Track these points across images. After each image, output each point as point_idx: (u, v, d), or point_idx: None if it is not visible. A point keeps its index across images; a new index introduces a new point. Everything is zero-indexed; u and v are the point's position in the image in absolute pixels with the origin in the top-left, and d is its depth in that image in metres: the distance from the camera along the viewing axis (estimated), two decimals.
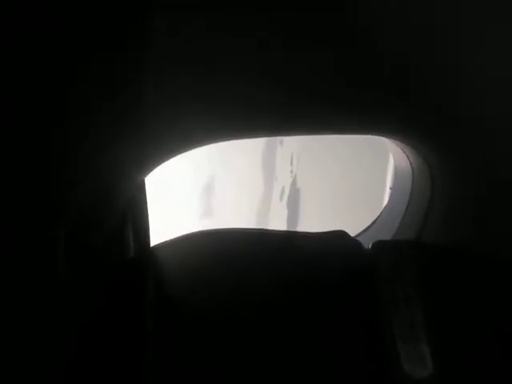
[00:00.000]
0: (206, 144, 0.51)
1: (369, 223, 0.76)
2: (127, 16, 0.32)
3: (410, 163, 0.63)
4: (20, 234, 0.34)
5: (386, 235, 0.68)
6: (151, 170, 0.51)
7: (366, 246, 0.44)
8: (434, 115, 0.48)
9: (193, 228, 0.44)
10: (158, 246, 0.44)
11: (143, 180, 0.54)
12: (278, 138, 2.93)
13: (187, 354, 0.35)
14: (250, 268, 0.39)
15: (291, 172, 3.09)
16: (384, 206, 0.75)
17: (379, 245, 0.43)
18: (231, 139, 0.51)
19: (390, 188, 0.74)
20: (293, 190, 3.06)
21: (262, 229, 0.45)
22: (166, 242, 0.43)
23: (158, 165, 0.51)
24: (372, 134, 0.55)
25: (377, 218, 0.75)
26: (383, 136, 0.57)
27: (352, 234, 0.46)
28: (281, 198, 3.08)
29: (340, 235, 0.44)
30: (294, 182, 3.07)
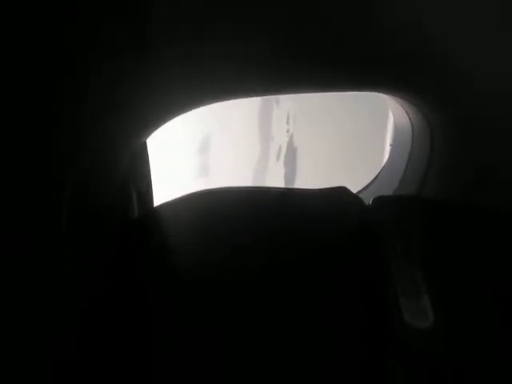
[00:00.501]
0: (204, 104, 0.51)
1: (368, 181, 0.77)
2: None
3: (410, 120, 0.63)
4: (22, 201, 0.34)
5: (387, 192, 0.69)
6: (151, 133, 0.51)
7: (366, 203, 0.44)
8: (435, 74, 0.48)
9: (188, 187, 0.44)
10: (160, 206, 0.44)
11: (145, 141, 0.54)
12: (274, 97, 2.90)
13: (190, 322, 0.35)
14: (250, 229, 0.39)
15: (288, 131, 3.06)
16: (384, 163, 0.75)
17: (380, 200, 0.43)
18: (231, 98, 0.51)
19: (391, 145, 0.74)
20: (290, 149, 3.04)
21: (261, 187, 0.45)
22: (168, 202, 0.44)
23: (157, 127, 0.50)
24: (371, 91, 0.55)
25: (377, 175, 0.75)
26: (382, 93, 0.57)
27: (352, 191, 0.46)
28: (278, 158, 3.06)
29: (341, 191, 0.44)
30: (290, 141, 3.05)
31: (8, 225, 0.33)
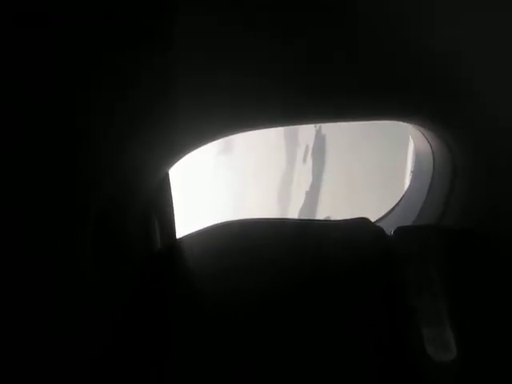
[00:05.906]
0: (226, 135, 0.52)
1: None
2: (149, 14, 0.33)
3: (431, 146, 0.63)
4: (47, 231, 0.35)
5: (409, 218, 0.68)
6: (174, 163, 0.52)
7: (388, 231, 0.44)
8: (455, 100, 0.48)
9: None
10: (183, 239, 0.45)
11: (167, 172, 0.55)
12: None
13: (212, 349, 0.35)
14: (272, 260, 0.39)
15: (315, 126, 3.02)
16: (405, 188, 0.75)
17: (401, 231, 0.43)
18: (249, 130, 0.52)
19: (411, 171, 0.73)
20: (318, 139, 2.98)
21: (284, 218, 0.46)
22: (191, 234, 0.44)
23: (180, 158, 0.51)
24: (391, 120, 0.55)
25: (399, 202, 0.75)
26: (402, 121, 0.57)
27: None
28: (304, 159, 3.00)
29: (362, 222, 0.44)
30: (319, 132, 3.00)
31: (33, 249, 0.34)
